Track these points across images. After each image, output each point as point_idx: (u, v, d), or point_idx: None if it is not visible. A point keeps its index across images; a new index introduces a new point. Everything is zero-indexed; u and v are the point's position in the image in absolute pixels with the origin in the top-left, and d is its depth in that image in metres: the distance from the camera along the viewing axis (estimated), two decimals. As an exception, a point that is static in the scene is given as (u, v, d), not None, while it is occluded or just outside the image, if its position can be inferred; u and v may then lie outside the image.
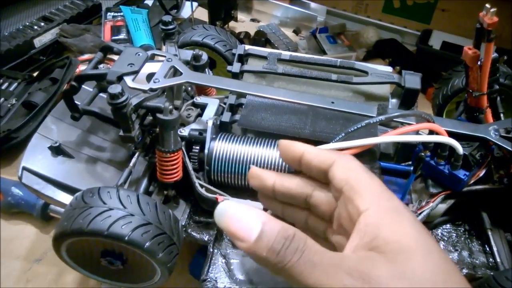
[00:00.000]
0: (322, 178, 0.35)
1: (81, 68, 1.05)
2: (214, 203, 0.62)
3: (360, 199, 0.30)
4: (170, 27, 0.70)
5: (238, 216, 0.28)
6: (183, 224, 0.64)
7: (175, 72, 0.66)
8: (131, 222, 0.52)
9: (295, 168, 0.37)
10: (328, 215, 0.36)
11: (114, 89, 0.54)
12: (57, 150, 0.68)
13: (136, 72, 0.63)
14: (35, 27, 1.20)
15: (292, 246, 0.27)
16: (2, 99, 1.00)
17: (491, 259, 0.63)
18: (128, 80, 0.62)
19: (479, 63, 0.61)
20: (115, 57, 0.66)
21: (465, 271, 0.62)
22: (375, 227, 0.29)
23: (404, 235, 0.28)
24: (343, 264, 0.27)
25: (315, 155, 0.35)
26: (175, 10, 1.38)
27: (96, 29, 1.26)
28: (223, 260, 0.62)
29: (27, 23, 1.21)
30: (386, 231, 0.28)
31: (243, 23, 1.42)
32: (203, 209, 0.65)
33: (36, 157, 0.67)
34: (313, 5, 1.37)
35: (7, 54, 1.10)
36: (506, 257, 0.62)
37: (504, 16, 1.14)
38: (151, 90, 0.61)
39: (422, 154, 0.56)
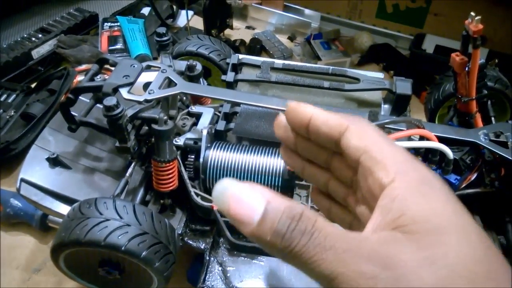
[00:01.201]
0: (333, 148, 0.30)
1: (79, 78, 1.06)
2: (210, 211, 0.63)
3: (383, 171, 0.25)
4: (165, 38, 0.72)
5: (239, 195, 0.24)
6: (180, 232, 0.65)
7: (170, 83, 0.67)
8: (127, 232, 0.53)
9: (303, 134, 0.31)
10: (349, 181, 0.31)
11: (110, 101, 0.55)
12: (54, 161, 0.69)
13: (131, 84, 0.64)
14: (33, 38, 1.21)
15: (299, 228, 0.22)
16: (1, 110, 1.02)
17: (484, 262, 0.64)
18: (123, 92, 0.63)
19: (466, 69, 0.62)
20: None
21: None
22: (400, 203, 0.24)
23: (436, 212, 0.23)
24: (362, 247, 0.22)
25: (324, 120, 0.29)
26: (171, 19, 1.40)
27: (93, 39, 1.27)
28: (220, 268, 0.63)
29: (25, 35, 1.22)
30: (414, 207, 0.23)
31: (238, 30, 1.43)
32: (200, 217, 0.66)
33: (34, 169, 0.68)
34: (307, 11, 1.39)
35: (6, 65, 1.11)
36: (498, 259, 0.63)
37: (496, 20, 1.15)
38: (146, 101, 0.62)
39: (413, 159, 0.57)
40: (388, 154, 0.26)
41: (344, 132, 0.28)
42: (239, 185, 0.24)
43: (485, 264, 0.21)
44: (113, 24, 1.30)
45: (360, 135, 0.27)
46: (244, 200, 0.23)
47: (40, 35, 1.22)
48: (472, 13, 0.55)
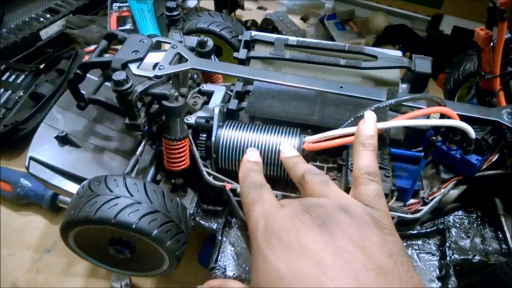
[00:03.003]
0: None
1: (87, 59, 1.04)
2: (222, 191, 0.61)
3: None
4: (175, 13, 0.69)
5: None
6: (191, 212, 0.64)
7: (181, 59, 0.65)
8: (138, 210, 0.52)
9: None
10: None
11: (119, 76, 0.53)
12: (63, 140, 0.67)
13: (141, 59, 0.62)
14: (41, 19, 1.20)
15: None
16: (10, 91, 1.01)
17: (504, 246, 0.62)
18: (133, 67, 0.61)
19: (491, 44, 0.59)
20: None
21: (477, 257, 0.61)
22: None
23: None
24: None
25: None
26: (181, 0, 1.37)
27: (102, 20, 1.25)
28: (232, 248, 0.62)
29: (33, 15, 1.21)
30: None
31: (250, 11, 1.40)
32: (211, 197, 0.65)
33: (43, 147, 0.67)
34: (320, -9, 1.36)
35: (14, 46, 1.10)
36: (520, 243, 0.61)
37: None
38: (156, 77, 0.60)
39: (433, 138, 0.55)
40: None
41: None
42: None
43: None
44: (122, 5, 1.28)
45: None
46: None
47: (48, 16, 1.21)
48: (500, -17, 0.52)
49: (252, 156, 0.51)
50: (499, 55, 0.59)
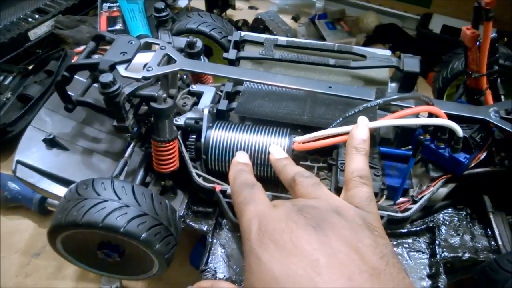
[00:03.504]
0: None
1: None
2: (212, 192, 0.61)
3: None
4: (163, 14, 0.69)
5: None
6: (181, 214, 0.64)
7: (169, 60, 0.65)
8: (126, 213, 0.52)
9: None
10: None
11: (106, 78, 0.53)
12: (51, 143, 0.67)
13: (129, 61, 0.61)
14: (30, 19, 1.18)
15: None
16: (-2, 93, 1.00)
17: (493, 243, 0.62)
18: (121, 69, 0.61)
19: (478, 43, 0.59)
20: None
21: (467, 255, 0.61)
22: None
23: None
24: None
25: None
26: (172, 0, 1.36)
27: (92, 20, 1.24)
28: (222, 250, 0.62)
29: (21, 16, 1.19)
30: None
31: (241, 11, 1.40)
32: (202, 199, 0.65)
33: (30, 150, 0.67)
34: (311, -9, 1.36)
35: (2, 47, 1.09)
36: (508, 240, 0.61)
37: (504, 0, 1.12)
38: (144, 78, 0.59)
39: (421, 137, 0.55)
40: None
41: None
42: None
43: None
44: (112, 5, 1.27)
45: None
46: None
47: (37, 16, 1.20)
48: (486, -17, 0.52)
49: (241, 158, 0.51)
50: (486, 54, 0.59)
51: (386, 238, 0.38)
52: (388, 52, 0.73)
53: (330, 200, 0.41)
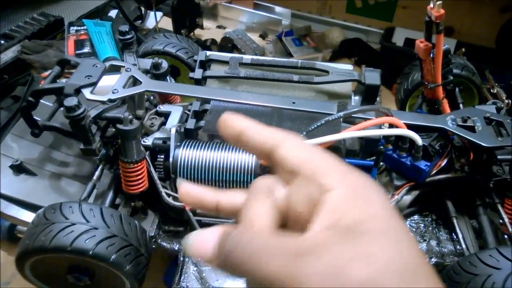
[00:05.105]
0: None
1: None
2: (182, 211, 0.61)
3: (327, 177, 0.27)
4: (128, 36, 0.70)
5: (195, 236, 0.27)
6: (152, 234, 0.64)
7: (135, 82, 0.66)
8: (95, 235, 0.51)
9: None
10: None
11: (70, 101, 0.53)
12: (18, 168, 0.66)
13: (94, 84, 0.62)
14: (-5, 45, 1.17)
15: (231, 239, 0.25)
16: (-37, 120, 0.98)
17: (458, 246, 0.64)
18: (86, 92, 0.61)
19: (431, 55, 0.62)
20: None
21: (434, 260, 0.63)
22: (342, 207, 0.26)
23: (373, 216, 0.25)
24: (296, 245, 0.24)
25: (255, 133, 0.30)
26: (140, 21, 1.37)
27: (60, 44, 1.24)
28: (195, 268, 0.62)
29: (-13, 42, 1.18)
30: (354, 211, 0.25)
31: (209, 30, 1.42)
32: (172, 218, 0.65)
33: (-3, 177, 0.66)
34: (278, 9, 1.39)
35: (-33, 74, 1.07)
36: (471, 243, 0.64)
37: (462, 12, 1.17)
38: (110, 100, 0.60)
39: (382, 148, 0.57)
40: (329, 164, 0.28)
41: (279, 145, 0.29)
42: (196, 231, 0.27)
43: (414, 261, 0.24)
44: (79, 28, 1.26)
45: (299, 148, 0.29)
46: (199, 236, 0.27)
47: (2, 41, 1.19)
48: (434, -1, 0.55)
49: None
50: (439, 65, 0.62)
51: None
52: (350, 67, 0.76)
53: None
